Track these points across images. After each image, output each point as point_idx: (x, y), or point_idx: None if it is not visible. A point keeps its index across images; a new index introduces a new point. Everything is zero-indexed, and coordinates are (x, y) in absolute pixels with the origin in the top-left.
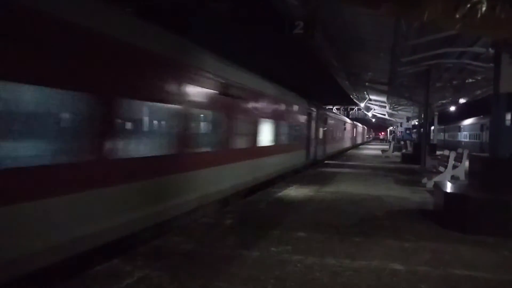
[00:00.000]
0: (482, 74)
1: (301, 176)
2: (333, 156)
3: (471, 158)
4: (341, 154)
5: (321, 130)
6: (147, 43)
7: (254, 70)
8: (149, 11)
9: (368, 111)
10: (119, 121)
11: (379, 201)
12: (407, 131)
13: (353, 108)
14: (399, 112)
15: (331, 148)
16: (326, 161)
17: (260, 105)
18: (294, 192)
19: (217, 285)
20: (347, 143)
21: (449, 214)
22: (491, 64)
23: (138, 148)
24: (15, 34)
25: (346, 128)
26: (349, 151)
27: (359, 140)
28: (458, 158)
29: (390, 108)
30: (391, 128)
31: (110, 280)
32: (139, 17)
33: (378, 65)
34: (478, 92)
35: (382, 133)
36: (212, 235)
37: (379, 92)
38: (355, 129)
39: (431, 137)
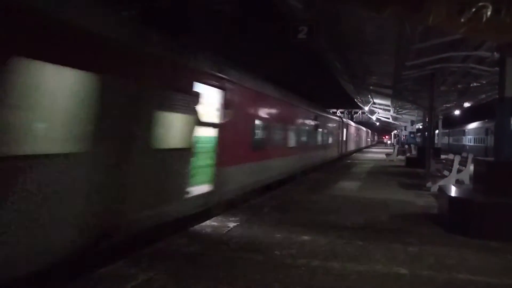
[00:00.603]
0: (487, 78)
1: None
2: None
3: (476, 162)
4: (320, 166)
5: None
6: None
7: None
8: (151, 13)
9: (372, 115)
10: None
11: (383, 205)
12: (411, 135)
13: (357, 112)
14: (403, 115)
15: (236, 181)
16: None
17: None
18: None
19: None
20: (326, 154)
21: (453, 218)
22: (496, 68)
23: None
24: None
25: (322, 129)
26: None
27: (359, 145)
28: (463, 162)
29: (394, 112)
30: (395, 131)
31: (113, 283)
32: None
33: (382, 69)
34: (483, 96)
35: (386, 136)
36: None
37: (383, 95)
38: (345, 130)
39: (436, 141)
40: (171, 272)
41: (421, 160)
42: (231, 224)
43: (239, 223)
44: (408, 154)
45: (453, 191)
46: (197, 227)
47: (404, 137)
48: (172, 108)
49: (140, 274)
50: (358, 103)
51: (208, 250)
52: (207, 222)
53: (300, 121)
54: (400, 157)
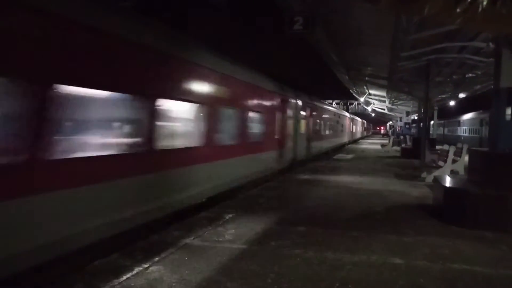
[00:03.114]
0: (482, 69)
1: None
2: None
3: (470, 153)
4: None
5: None
6: None
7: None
8: (147, 5)
9: (367, 106)
10: None
11: (379, 195)
12: (407, 126)
13: (353, 103)
14: (399, 106)
15: None
16: None
17: None
18: None
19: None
20: (343, 139)
21: (448, 209)
22: (492, 59)
23: None
24: None
25: (341, 124)
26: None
27: (358, 135)
28: (458, 153)
29: (389, 103)
30: (390, 122)
31: (109, 275)
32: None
33: (378, 60)
34: (478, 86)
35: (382, 127)
36: None
37: (379, 86)
38: (351, 124)
39: (431, 132)
40: (167, 263)
41: (416, 151)
42: (227, 216)
43: (235, 213)
44: (403, 145)
45: (448, 182)
46: (192, 219)
47: (399, 128)
48: (300, 122)
49: (136, 266)
50: (354, 94)
51: (204, 242)
52: (203, 214)
53: (333, 120)
54: (395, 147)
